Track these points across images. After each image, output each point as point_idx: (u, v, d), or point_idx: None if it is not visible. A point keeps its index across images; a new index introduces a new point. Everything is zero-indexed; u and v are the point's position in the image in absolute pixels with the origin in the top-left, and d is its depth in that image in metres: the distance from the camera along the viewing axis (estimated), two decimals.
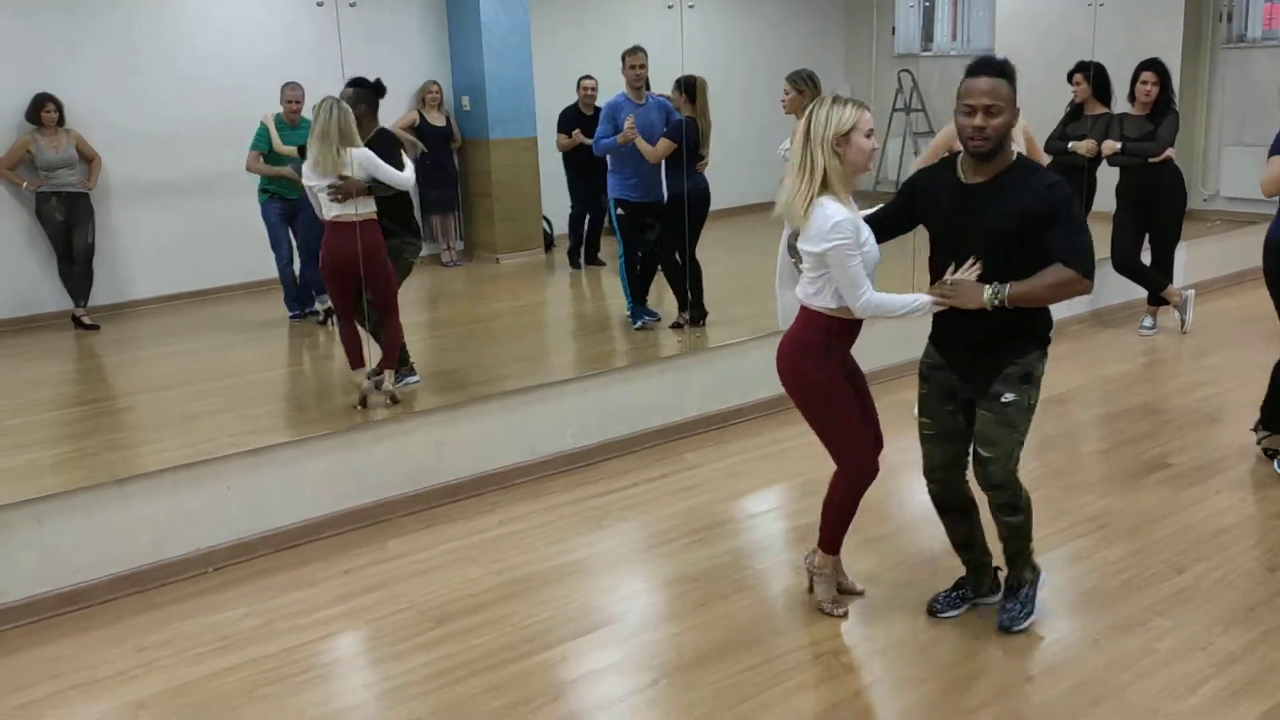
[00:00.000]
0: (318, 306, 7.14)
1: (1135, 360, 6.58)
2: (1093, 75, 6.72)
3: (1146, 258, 6.94)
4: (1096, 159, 6.49)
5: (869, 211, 3.48)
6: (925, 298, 3.27)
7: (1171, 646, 3.42)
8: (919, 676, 3.34)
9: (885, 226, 3.46)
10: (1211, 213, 9.60)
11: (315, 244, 5.60)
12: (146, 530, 4.13)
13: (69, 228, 7.31)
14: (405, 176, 5.20)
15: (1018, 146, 3.82)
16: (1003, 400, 3.29)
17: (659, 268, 6.77)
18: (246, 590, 4.05)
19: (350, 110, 5.11)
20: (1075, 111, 6.75)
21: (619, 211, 6.60)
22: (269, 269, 7.27)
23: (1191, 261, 7.73)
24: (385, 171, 5.12)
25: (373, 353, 5.32)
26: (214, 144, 7.46)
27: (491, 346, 6.44)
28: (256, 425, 5.12)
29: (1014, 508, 3.42)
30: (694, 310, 6.59)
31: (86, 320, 7.30)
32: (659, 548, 4.32)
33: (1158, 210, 6.65)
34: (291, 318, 7.25)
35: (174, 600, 4.00)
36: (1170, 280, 6.95)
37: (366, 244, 5.16)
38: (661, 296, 6.93)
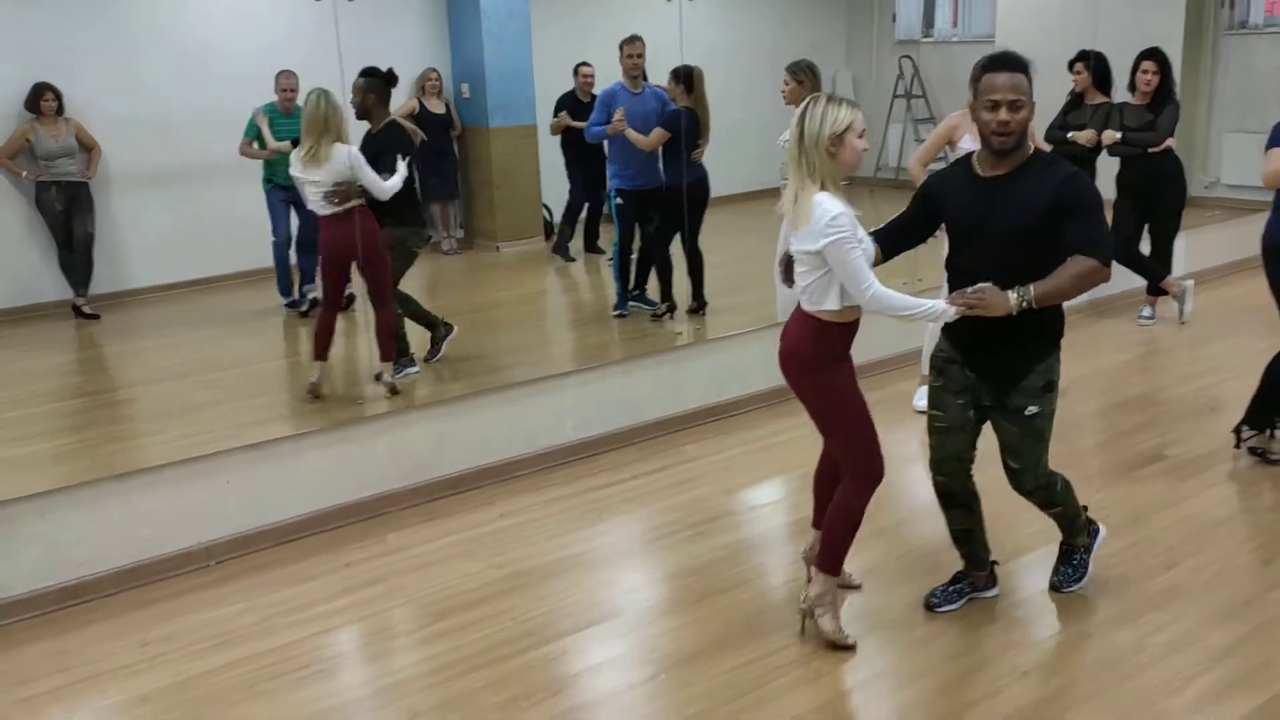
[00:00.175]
0: (306, 292, 7.13)
1: (1133, 350, 6.60)
2: (1093, 64, 6.70)
3: (1145, 247, 6.94)
4: (1097, 149, 6.48)
5: (876, 228, 3.49)
6: (946, 306, 3.20)
7: (1165, 641, 3.44)
8: (916, 671, 3.37)
9: (899, 237, 3.47)
10: (1212, 200, 9.59)
11: (314, 234, 5.62)
12: (148, 524, 4.15)
13: (69, 217, 7.32)
14: (387, 186, 5.21)
15: None
16: (1026, 414, 3.36)
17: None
18: (246, 585, 4.08)
19: (338, 104, 5.11)
20: (1075, 101, 6.74)
21: (618, 201, 6.61)
22: (269, 258, 7.28)
23: (1191, 251, 7.73)
24: (369, 177, 5.13)
25: (367, 352, 5.34)
26: (213, 132, 7.45)
27: (492, 337, 6.45)
28: (257, 416, 5.15)
29: (1052, 502, 3.58)
30: (694, 299, 6.61)
31: (86, 310, 7.32)
32: (658, 541, 4.35)
33: (1157, 200, 6.65)
34: (287, 305, 7.25)
35: (175, 594, 4.03)
36: (1169, 270, 6.96)
37: (363, 232, 5.18)
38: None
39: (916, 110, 11.05)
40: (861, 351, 3.62)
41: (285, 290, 7.27)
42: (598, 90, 7.34)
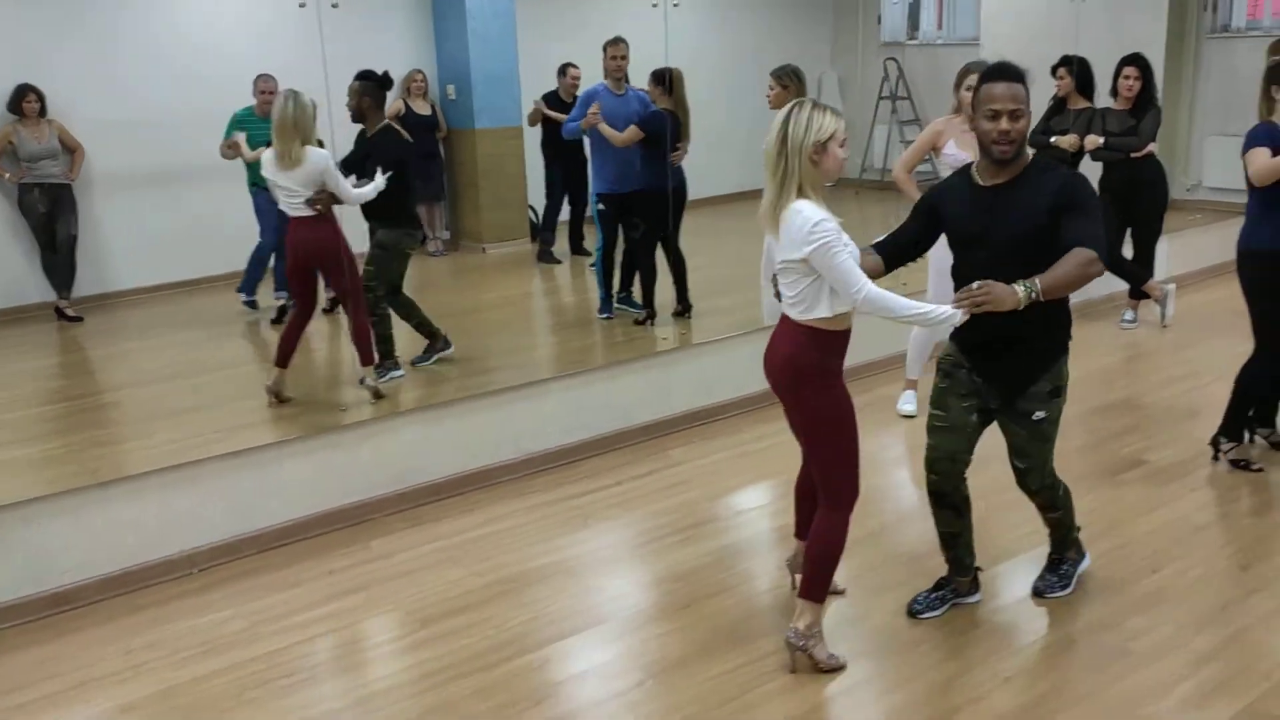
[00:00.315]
0: (278, 299, 7.09)
1: (1116, 354, 6.64)
2: (1076, 69, 6.74)
3: (1128, 251, 6.99)
4: (1079, 153, 6.52)
5: (878, 239, 3.51)
6: (952, 309, 3.15)
7: (1148, 646, 3.47)
8: (900, 678, 3.39)
9: (901, 249, 3.48)
10: (1194, 203, 9.65)
11: None
12: (133, 532, 4.15)
13: (51, 219, 7.29)
14: (356, 193, 5.23)
15: None
16: (1034, 418, 3.42)
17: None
18: (231, 592, 4.08)
19: (309, 105, 5.12)
20: (1058, 105, 6.77)
21: (599, 206, 6.64)
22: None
23: (1173, 255, 7.79)
24: (339, 184, 5.15)
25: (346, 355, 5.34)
26: (197, 134, 7.42)
27: (477, 340, 6.45)
28: (243, 420, 5.14)
29: (1053, 506, 3.67)
30: (679, 303, 6.62)
31: (70, 312, 7.29)
32: (644, 547, 4.36)
33: (1139, 205, 6.69)
34: (245, 303, 7.22)
35: (160, 602, 4.03)
36: (1151, 274, 7.00)
37: (324, 236, 5.18)
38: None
39: (902, 112, 11.09)
40: (848, 356, 3.63)
41: (249, 289, 7.21)
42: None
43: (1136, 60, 6.52)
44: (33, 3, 7.32)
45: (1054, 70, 6.81)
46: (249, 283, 7.23)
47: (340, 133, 5.48)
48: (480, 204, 9.07)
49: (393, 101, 8.57)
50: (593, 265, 6.89)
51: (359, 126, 5.64)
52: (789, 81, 5.63)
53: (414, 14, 9.03)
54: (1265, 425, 4.94)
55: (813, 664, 3.38)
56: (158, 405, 5.58)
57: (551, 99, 8.45)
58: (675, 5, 5.83)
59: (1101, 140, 6.45)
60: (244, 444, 4.57)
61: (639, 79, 6.75)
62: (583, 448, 5.23)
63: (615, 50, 6.56)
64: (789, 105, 3.20)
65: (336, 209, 5.27)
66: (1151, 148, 6.61)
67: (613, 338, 6.59)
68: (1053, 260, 3.18)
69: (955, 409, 3.48)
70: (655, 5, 5.74)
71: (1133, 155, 6.52)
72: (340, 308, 6.36)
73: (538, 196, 9.12)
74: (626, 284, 6.87)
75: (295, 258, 5.34)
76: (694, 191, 6.76)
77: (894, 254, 3.48)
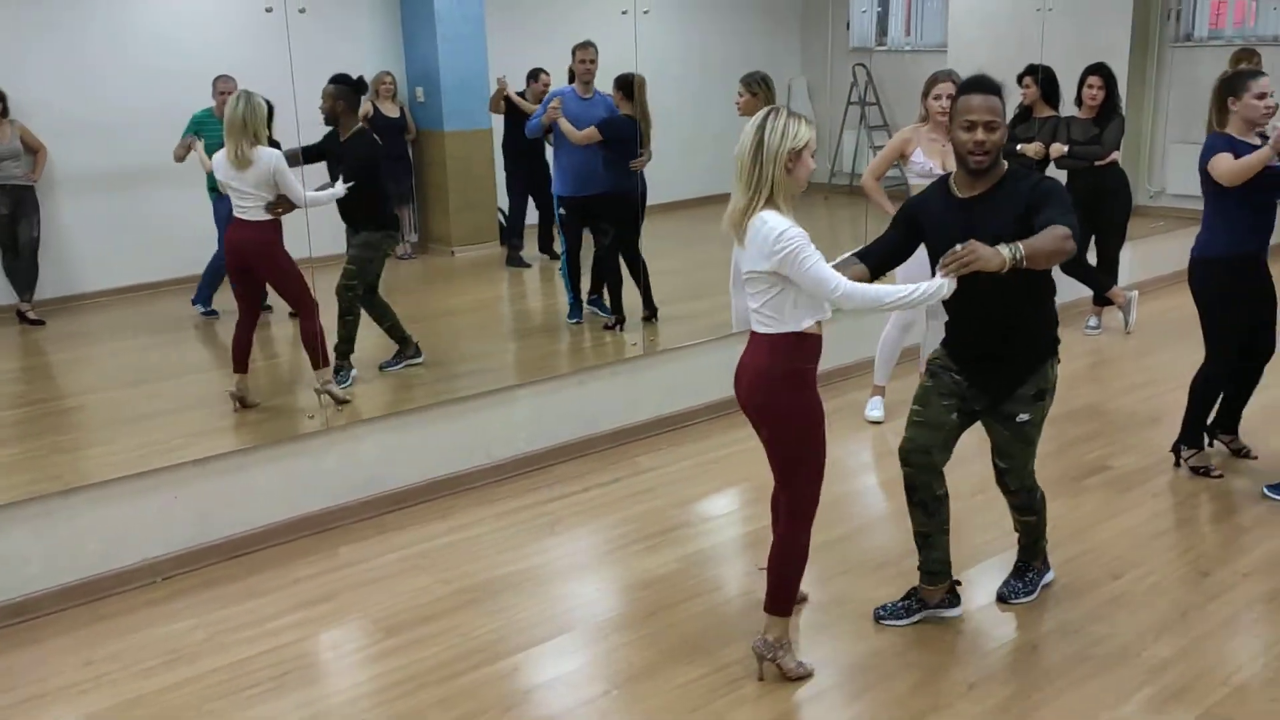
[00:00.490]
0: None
1: (1080, 360, 6.71)
2: (1041, 78, 6.81)
3: (1092, 258, 7.06)
4: (1044, 161, 6.59)
5: (857, 249, 3.52)
6: (938, 281, 3.13)
7: (1107, 653, 3.51)
8: (866, 684, 3.41)
9: (882, 260, 3.49)
10: (1157, 209, 9.77)
11: None
12: (95, 540, 4.10)
13: (13, 220, 7.18)
14: (310, 197, 5.20)
15: None
16: (1018, 420, 3.50)
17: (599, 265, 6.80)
18: (195, 601, 4.04)
19: (262, 106, 5.12)
20: (1024, 114, 6.84)
21: (561, 210, 6.64)
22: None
23: (1136, 261, 7.88)
24: (290, 185, 5.12)
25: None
26: (161, 137, 7.31)
27: (446, 345, 6.42)
28: (207, 426, 5.11)
29: (1029, 508, 3.74)
30: (644, 308, 6.62)
31: (32, 315, 7.19)
32: (611, 554, 4.36)
33: (1103, 212, 6.77)
34: (204, 314, 7.15)
35: (123, 611, 3.98)
36: (1115, 281, 7.09)
37: (261, 242, 5.17)
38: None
39: (870, 117, 11.14)
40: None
41: (205, 299, 7.14)
42: None
43: (1100, 70, 6.61)
44: None
45: (1020, 79, 6.88)
46: (204, 293, 7.14)
47: (307, 135, 5.44)
48: (449, 207, 9.03)
49: (361, 103, 8.53)
50: (561, 270, 6.88)
51: (327, 129, 5.61)
52: (758, 88, 5.65)
53: (382, 17, 8.99)
54: (1226, 432, 5.01)
55: (781, 673, 3.39)
56: (121, 410, 5.52)
57: (517, 105, 8.41)
58: (645, 12, 5.84)
59: (1066, 148, 6.53)
60: (208, 450, 4.54)
61: (608, 85, 6.74)
62: (551, 454, 5.23)
63: (584, 54, 6.57)
64: (764, 111, 3.16)
65: (313, 210, 5.24)
66: (1115, 156, 6.69)
67: (581, 343, 6.59)
68: (1031, 269, 3.24)
69: (935, 406, 3.55)
70: (625, 12, 5.75)
71: (1096, 163, 6.61)
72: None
73: (506, 199, 9.10)
74: (597, 287, 6.87)
75: (232, 259, 5.35)
76: (663, 196, 6.78)
77: (878, 263, 3.50)
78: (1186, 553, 4.20)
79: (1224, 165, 4.40)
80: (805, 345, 3.21)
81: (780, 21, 11.50)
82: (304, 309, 5.29)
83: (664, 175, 6.75)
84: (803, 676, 3.41)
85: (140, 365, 6.31)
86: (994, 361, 3.48)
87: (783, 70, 10.71)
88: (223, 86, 6.90)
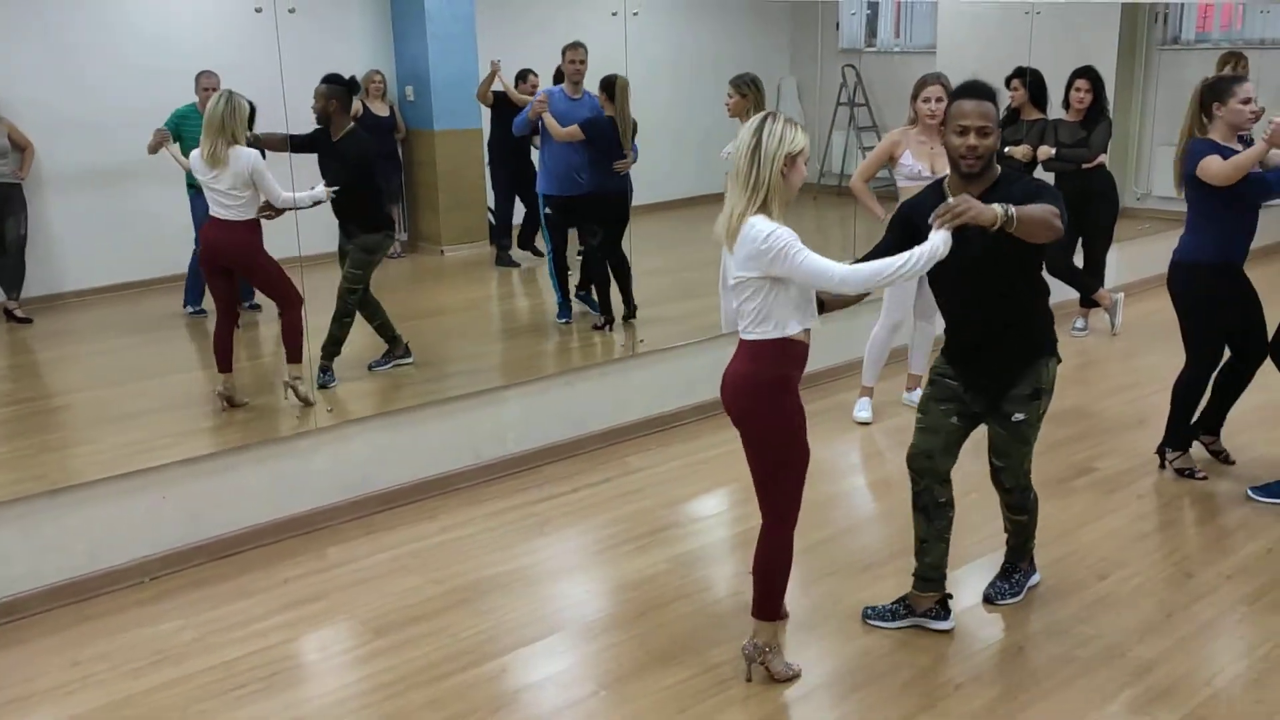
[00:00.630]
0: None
1: (1067, 362, 6.60)
2: (1029, 81, 6.84)
3: (1079, 260, 7.10)
4: (1032, 164, 6.62)
5: (858, 258, 3.52)
6: (935, 238, 3.06)
7: (1092, 654, 3.54)
8: (854, 684, 3.43)
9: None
10: (1144, 211, 9.82)
11: None
12: (82, 540, 4.09)
13: (0, 218, 7.14)
14: (288, 198, 5.18)
15: None
16: (1013, 420, 3.54)
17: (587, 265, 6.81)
18: (183, 601, 4.03)
19: (244, 107, 5.11)
20: (1011, 116, 6.87)
21: (546, 210, 6.65)
22: None
23: (1122, 263, 7.92)
24: (268, 186, 5.11)
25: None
26: (149, 134, 7.31)
27: (435, 345, 6.42)
28: (195, 425, 5.09)
29: (1021, 508, 3.78)
30: (624, 306, 6.62)
31: (19, 313, 7.16)
32: (600, 555, 4.37)
33: (1090, 215, 6.80)
34: (190, 314, 7.13)
35: (110, 612, 3.97)
36: (1101, 283, 7.12)
37: (240, 243, 5.16)
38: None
39: (860, 119, 11.18)
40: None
41: (194, 299, 7.11)
42: None
43: (1088, 73, 6.64)
44: None
45: (1008, 81, 6.91)
46: (192, 293, 7.12)
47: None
48: (438, 206, 9.01)
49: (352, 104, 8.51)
50: (549, 270, 6.88)
51: (317, 129, 5.61)
52: (747, 90, 5.67)
53: (372, 16, 8.97)
54: (1209, 433, 5.04)
55: (769, 675, 3.41)
56: (108, 409, 5.50)
57: (505, 104, 8.40)
58: (635, 14, 5.85)
59: (1053, 151, 6.56)
60: (196, 450, 4.53)
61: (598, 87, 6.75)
62: (540, 455, 5.23)
63: (574, 54, 6.58)
64: (760, 116, 3.17)
65: (307, 211, 5.24)
66: (1102, 159, 6.73)
67: (570, 343, 6.59)
68: (1025, 269, 3.39)
69: (934, 412, 3.61)
70: (615, 14, 5.76)
71: (1084, 166, 6.64)
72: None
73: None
74: (585, 284, 6.88)
75: (208, 258, 5.32)
76: (652, 196, 6.79)
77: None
78: (1171, 554, 4.23)
79: (1215, 166, 4.43)
80: (792, 352, 3.21)
81: (770, 22, 11.52)
82: (289, 304, 5.28)
83: (652, 176, 6.75)
84: (791, 678, 3.43)
85: (128, 364, 6.29)
86: (988, 363, 3.52)
87: (772, 71, 10.71)
88: (206, 82, 6.87)
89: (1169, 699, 3.30)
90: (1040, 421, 3.60)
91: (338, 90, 5.49)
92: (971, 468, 4.00)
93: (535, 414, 5.26)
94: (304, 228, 5.34)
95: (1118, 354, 6.89)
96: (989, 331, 3.48)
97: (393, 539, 4.49)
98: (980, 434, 3.71)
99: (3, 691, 3.49)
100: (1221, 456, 5.02)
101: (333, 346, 5.55)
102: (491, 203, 9.15)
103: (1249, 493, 4.67)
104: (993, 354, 3.50)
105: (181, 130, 6.81)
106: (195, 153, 5.19)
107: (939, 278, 3.50)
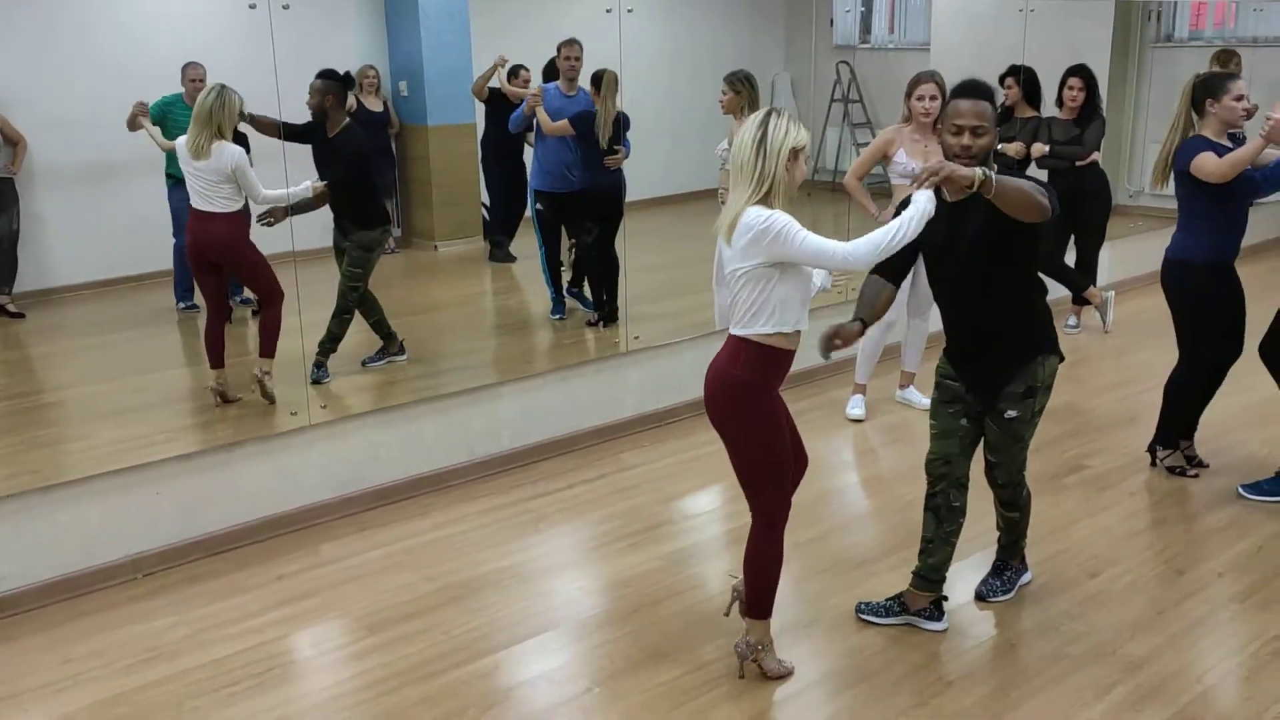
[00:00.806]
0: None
1: None
2: (1023, 79, 6.85)
3: (1071, 258, 7.12)
4: (1025, 161, 6.63)
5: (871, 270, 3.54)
6: (920, 199, 3.12)
7: (1083, 651, 3.55)
8: (846, 681, 3.44)
9: (895, 266, 3.47)
10: (1136, 209, 9.84)
11: None
12: (75, 536, 4.08)
13: None
14: (269, 195, 5.18)
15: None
16: (1007, 417, 3.56)
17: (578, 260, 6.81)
18: (177, 598, 4.03)
19: (234, 102, 5.10)
20: (1005, 114, 6.87)
21: (537, 206, 6.65)
22: None
23: (1115, 261, 7.94)
24: (250, 183, 5.12)
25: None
26: (142, 130, 7.29)
27: (429, 341, 6.42)
28: (189, 421, 5.10)
29: (1014, 505, 3.80)
30: (608, 306, 6.60)
31: (11, 308, 7.13)
32: (595, 551, 4.38)
33: (1083, 213, 6.82)
34: (184, 309, 7.11)
35: (103, 608, 3.97)
36: (1093, 281, 7.14)
37: (227, 237, 5.16)
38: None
39: (854, 115, 11.18)
40: (797, 359, 3.64)
41: (186, 294, 7.09)
42: None
43: (1081, 71, 6.66)
44: None
45: (1002, 79, 6.92)
46: (181, 288, 7.09)
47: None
48: (432, 201, 9.00)
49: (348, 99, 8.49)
50: (542, 267, 6.87)
51: (310, 122, 5.60)
52: (741, 86, 5.67)
53: (366, 12, 8.95)
54: (1184, 438, 5.00)
55: (762, 673, 3.42)
56: (101, 405, 5.49)
57: (499, 101, 8.39)
58: (630, 11, 5.84)
59: (1047, 149, 6.57)
60: (190, 446, 4.53)
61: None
62: (534, 451, 5.24)
63: (569, 50, 6.57)
64: (764, 111, 3.17)
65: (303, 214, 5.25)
66: (1095, 156, 6.75)
67: (564, 339, 6.59)
68: (1019, 266, 3.40)
69: (943, 415, 3.64)
70: (609, 11, 5.75)
71: (1077, 164, 6.66)
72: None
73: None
74: (577, 280, 6.88)
75: (195, 253, 5.31)
76: (646, 192, 6.78)
77: (895, 269, 3.51)
78: (1162, 552, 4.25)
79: (1211, 163, 4.43)
80: (776, 360, 3.21)
81: (764, 19, 11.51)
82: (271, 299, 5.28)
83: (646, 172, 6.76)
84: (783, 675, 3.44)
85: (121, 359, 6.28)
86: (984, 361, 3.54)
87: (766, 67, 10.73)
88: (192, 73, 6.85)
89: (1159, 696, 3.32)
90: (1035, 419, 3.61)
91: (333, 86, 5.50)
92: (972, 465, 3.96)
93: (529, 410, 5.26)
94: (297, 223, 5.35)
95: (1109, 351, 6.91)
96: (987, 331, 3.49)
97: (386, 536, 4.50)
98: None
99: None
100: (1194, 462, 4.94)
101: (330, 343, 5.55)
102: (486, 199, 9.16)
103: (1240, 490, 4.69)
104: (991, 353, 3.52)
105: (165, 119, 6.78)
106: (181, 140, 5.19)
107: (936, 277, 3.54)
